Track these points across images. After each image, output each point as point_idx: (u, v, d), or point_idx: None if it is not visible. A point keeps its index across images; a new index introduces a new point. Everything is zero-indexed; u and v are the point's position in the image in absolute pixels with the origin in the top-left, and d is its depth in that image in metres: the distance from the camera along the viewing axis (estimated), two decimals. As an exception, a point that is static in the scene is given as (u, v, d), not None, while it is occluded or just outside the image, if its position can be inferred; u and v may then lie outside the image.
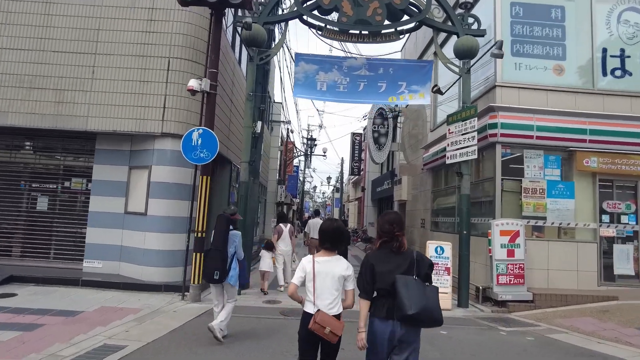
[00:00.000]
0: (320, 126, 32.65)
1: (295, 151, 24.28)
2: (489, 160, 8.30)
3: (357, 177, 30.45)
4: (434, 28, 7.90)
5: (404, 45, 15.36)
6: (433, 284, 2.48)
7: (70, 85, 7.34)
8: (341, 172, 35.26)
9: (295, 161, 27.13)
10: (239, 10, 8.64)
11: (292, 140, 23.61)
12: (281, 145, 20.04)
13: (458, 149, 7.56)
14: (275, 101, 19.15)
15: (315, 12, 7.79)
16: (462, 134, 7.49)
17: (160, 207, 7.25)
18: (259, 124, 8.14)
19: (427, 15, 7.75)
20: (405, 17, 7.79)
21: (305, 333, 2.49)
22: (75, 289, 6.66)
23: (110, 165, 7.67)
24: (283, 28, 8.23)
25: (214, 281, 4.49)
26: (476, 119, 7.18)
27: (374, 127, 16.26)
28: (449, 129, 7.85)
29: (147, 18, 7.50)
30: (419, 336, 2.41)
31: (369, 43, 7.90)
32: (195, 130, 6.41)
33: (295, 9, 7.72)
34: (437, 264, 7.05)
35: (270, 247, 8.15)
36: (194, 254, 6.49)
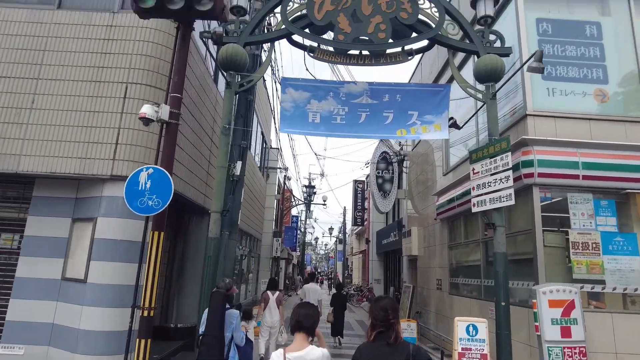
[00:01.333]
0: (322, 174, 31.21)
1: (293, 200, 22.72)
2: (523, 207, 6.65)
3: (360, 227, 28.56)
4: (449, 47, 6.58)
5: (415, 69, 13.99)
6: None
7: (2, 116, 5.93)
8: (343, 223, 33.40)
9: (295, 211, 25.50)
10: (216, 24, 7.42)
11: (289, 188, 22.12)
12: (278, 193, 18.53)
13: (487, 193, 5.94)
14: (272, 147, 17.88)
15: (307, 31, 6.53)
16: (492, 174, 5.91)
17: (103, 273, 5.56)
18: (239, 164, 6.64)
19: (439, 32, 6.45)
20: (414, 35, 6.50)
21: None
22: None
23: (50, 217, 6.06)
24: (268, 47, 6.91)
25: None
26: (509, 153, 5.63)
27: (378, 173, 14.78)
28: (473, 169, 6.28)
29: (103, 37, 6.24)
30: None
31: (370, 65, 6.55)
32: (144, 169, 4.86)
33: (283, 26, 6.46)
34: (470, 349, 5.21)
35: (248, 316, 6.37)
36: (137, 340, 4.71)
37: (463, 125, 7.87)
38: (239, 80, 6.41)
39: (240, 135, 6.84)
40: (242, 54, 6.24)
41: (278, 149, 17.89)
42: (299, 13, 6.59)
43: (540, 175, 6.20)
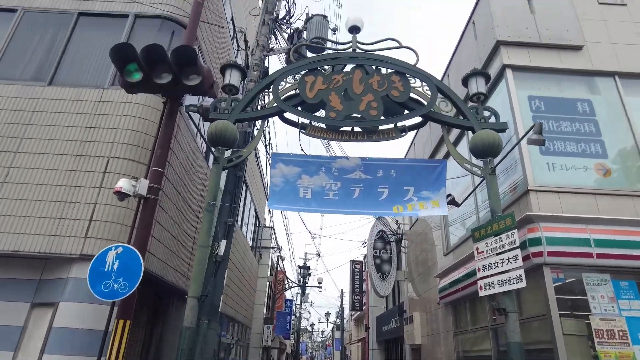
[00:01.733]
0: (318, 254, 30.21)
1: (286, 282, 21.60)
2: (535, 289, 6.05)
3: (359, 312, 26.93)
4: (443, 123, 6.47)
5: (410, 145, 13.99)
6: None
7: (-29, 191, 5.56)
8: (341, 307, 31.62)
9: (289, 294, 24.14)
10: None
11: (282, 269, 21.15)
12: (270, 275, 17.61)
13: (494, 274, 5.40)
14: (266, 225, 17.39)
15: (299, 108, 6.47)
16: (498, 253, 5.42)
17: (57, 370, 4.78)
18: (223, 243, 6.15)
19: (432, 109, 6.40)
20: (406, 112, 6.43)
21: None
22: None
23: (6, 302, 5.39)
24: (260, 124, 6.79)
25: None
26: (516, 231, 5.20)
27: (375, 253, 14.15)
28: (477, 248, 5.80)
29: (90, 112, 6.12)
30: None
31: (363, 141, 6.38)
32: (113, 248, 4.36)
33: (275, 104, 6.41)
34: None
35: None
36: None
37: (462, 203, 7.55)
38: (228, 155, 6.20)
39: (226, 213, 6.43)
40: (232, 130, 6.08)
41: (272, 227, 17.38)
42: (291, 92, 6.61)
43: (551, 254, 5.71)
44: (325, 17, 8.97)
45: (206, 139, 6.23)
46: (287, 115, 6.81)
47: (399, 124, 6.45)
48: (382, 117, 6.29)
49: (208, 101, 5.27)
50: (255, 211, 15.17)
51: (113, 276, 4.13)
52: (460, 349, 8.84)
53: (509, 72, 7.34)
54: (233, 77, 6.62)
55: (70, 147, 5.88)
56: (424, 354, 11.44)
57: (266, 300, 17.16)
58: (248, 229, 13.95)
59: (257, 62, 8.01)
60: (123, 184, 4.67)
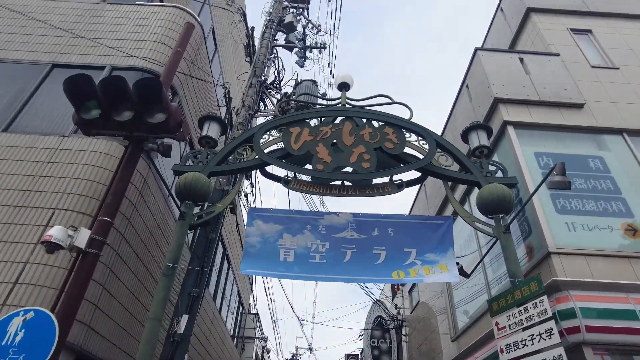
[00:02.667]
0: (310, 349, 27.40)
1: (272, 380, 19.00)
2: (575, 378, 4.81)
3: (356, 418, 23.51)
4: (445, 178, 5.75)
5: (414, 204, 12.69)
6: None
7: None
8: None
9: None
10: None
11: (268, 363, 18.72)
12: (254, 371, 15.45)
13: (524, 356, 4.25)
14: (250, 312, 15.72)
15: (283, 161, 5.78)
16: (524, 328, 4.33)
17: None
18: (185, 319, 5.00)
19: (431, 162, 5.73)
20: (402, 165, 5.76)
21: None
22: None
23: None
24: (237, 178, 6.02)
25: None
26: (545, 297, 4.18)
27: (373, 342, 12.49)
28: (497, 323, 4.70)
29: (45, 160, 5.37)
30: None
31: (355, 196, 5.58)
32: (21, 313, 3.28)
33: (257, 156, 5.73)
34: None
35: None
36: None
37: (472, 272, 6.53)
38: (198, 212, 5.34)
39: (192, 282, 5.36)
40: (205, 182, 5.30)
41: (256, 314, 15.69)
42: (274, 147, 6.00)
43: (590, 329, 4.60)
44: (314, 82, 8.76)
45: (172, 193, 5.43)
46: (271, 170, 6.15)
47: (395, 177, 5.74)
48: (376, 170, 5.60)
49: (170, 141, 4.54)
50: (239, 294, 13.73)
51: (11, 352, 3.00)
52: None
53: (510, 129, 6.86)
54: (211, 130, 6.04)
55: (13, 198, 5.01)
56: None
57: (248, 402, 14.82)
58: (228, 313, 12.43)
59: (242, 122, 7.54)
60: (55, 232, 3.74)
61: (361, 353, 22.41)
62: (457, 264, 6.36)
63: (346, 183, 5.66)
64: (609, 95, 7.44)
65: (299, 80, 8.85)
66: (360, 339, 19.12)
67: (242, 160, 5.87)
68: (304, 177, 5.92)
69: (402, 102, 6.44)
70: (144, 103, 4.45)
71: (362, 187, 5.63)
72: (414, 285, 12.09)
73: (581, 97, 7.26)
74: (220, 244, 10.94)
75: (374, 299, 13.44)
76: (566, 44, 8.43)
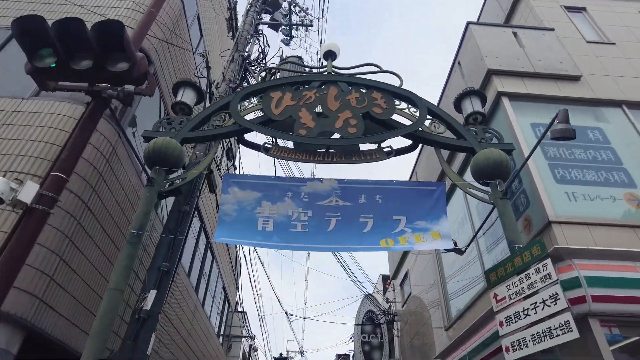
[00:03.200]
0: (302, 352, 26.70)
1: (259, 380, 18.36)
2: (579, 355, 4.40)
3: (347, 422, 22.88)
4: (437, 145, 5.36)
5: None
6: None
7: None
8: (328, 416, 27.09)
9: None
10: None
11: (255, 362, 18.09)
12: (241, 371, 14.84)
13: (526, 326, 3.85)
14: (237, 310, 15.15)
15: (265, 127, 5.34)
16: (526, 297, 3.93)
17: None
18: (152, 295, 4.52)
19: (421, 128, 5.34)
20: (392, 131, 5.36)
21: None
22: None
23: None
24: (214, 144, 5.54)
25: None
26: (549, 260, 3.79)
27: (364, 338, 12.02)
28: (495, 295, 4.29)
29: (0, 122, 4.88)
30: None
31: (341, 163, 5.18)
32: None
33: (233, 121, 5.30)
34: None
35: None
36: None
37: (466, 248, 6.12)
38: (168, 178, 4.88)
39: (162, 256, 4.88)
40: (176, 147, 4.87)
41: (244, 312, 15.13)
42: (253, 115, 5.59)
43: (596, 299, 4.21)
44: (300, 57, 8.36)
45: (142, 161, 4.97)
46: (250, 138, 5.71)
47: (384, 145, 5.35)
48: (363, 136, 5.20)
49: (131, 88, 4.08)
50: (224, 290, 13.19)
51: None
52: None
53: (505, 100, 6.52)
54: (186, 96, 5.63)
55: (-41, 162, 4.52)
56: None
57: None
58: (213, 308, 11.87)
59: (222, 95, 7.12)
60: (-5, 184, 3.26)
61: (352, 357, 21.89)
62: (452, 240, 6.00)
63: (331, 150, 5.25)
64: (606, 69, 7.16)
65: (284, 58, 8.46)
66: (352, 341, 18.64)
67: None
68: (288, 145, 5.51)
69: (392, 71, 6.08)
70: (105, 50, 4.00)
71: (348, 153, 5.22)
72: (405, 277, 11.67)
73: (577, 70, 6.96)
74: (203, 233, 10.44)
75: (366, 292, 13.00)
76: (560, 21, 8.16)
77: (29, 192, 3.44)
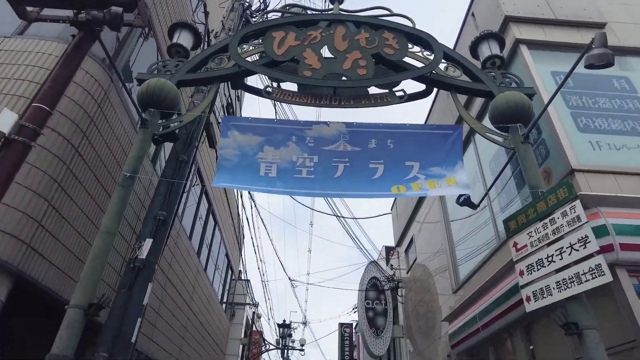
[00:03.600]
0: (304, 323, 26.93)
1: (264, 345, 18.53)
2: (606, 304, 4.15)
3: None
4: (453, 88, 4.98)
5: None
6: None
7: None
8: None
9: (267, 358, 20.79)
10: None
11: (259, 329, 18.20)
12: (245, 336, 14.89)
13: (550, 273, 3.56)
14: (240, 278, 15.08)
15: (267, 68, 4.96)
16: (551, 242, 3.64)
17: None
18: (148, 244, 4.25)
19: (436, 71, 4.95)
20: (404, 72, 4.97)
21: None
22: None
23: None
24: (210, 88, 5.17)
25: None
26: (578, 202, 3.48)
27: (367, 304, 11.90)
28: (515, 243, 3.99)
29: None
30: None
31: (349, 107, 4.82)
32: None
33: (234, 63, 4.91)
34: None
35: None
36: None
37: (480, 202, 5.83)
38: (163, 122, 4.54)
39: (159, 204, 4.59)
40: (171, 89, 4.52)
41: (247, 280, 15.05)
42: (254, 57, 5.19)
43: (625, 247, 3.92)
44: (304, 8, 7.88)
45: (138, 100, 4.61)
46: (250, 83, 5.35)
47: (397, 89, 4.96)
48: (373, 77, 4.82)
49: (118, 10, 3.68)
50: (227, 256, 13.04)
51: None
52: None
53: (523, 48, 6.10)
54: (182, 39, 5.23)
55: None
56: None
57: (238, 368, 14.27)
58: (216, 274, 11.74)
59: (221, 44, 6.69)
60: (-33, 109, 2.92)
61: (356, 326, 22.04)
62: (461, 196, 5.70)
63: (339, 92, 4.88)
64: (634, 17, 6.67)
65: (287, 8, 7.97)
66: (355, 312, 18.67)
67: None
68: (290, 88, 5.13)
69: (403, 14, 5.61)
70: (89, -30, 3.60)
71: (357, 97, 4.85)
72: (410, 243, 11.46)
73: (602, 17, 6.49)
74: (205, 198, 10.19)
75: (370, 259, 12.84)
76: (583, -32, 7.59)
77: (6, 122, 3.11)
